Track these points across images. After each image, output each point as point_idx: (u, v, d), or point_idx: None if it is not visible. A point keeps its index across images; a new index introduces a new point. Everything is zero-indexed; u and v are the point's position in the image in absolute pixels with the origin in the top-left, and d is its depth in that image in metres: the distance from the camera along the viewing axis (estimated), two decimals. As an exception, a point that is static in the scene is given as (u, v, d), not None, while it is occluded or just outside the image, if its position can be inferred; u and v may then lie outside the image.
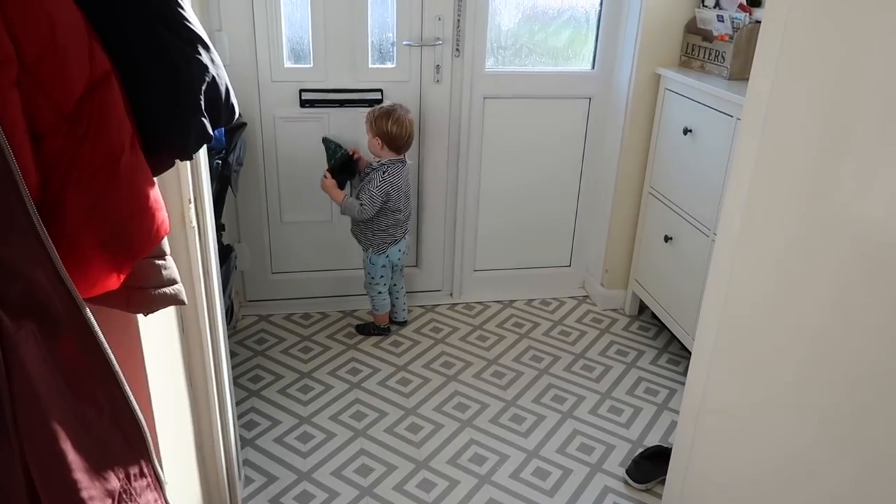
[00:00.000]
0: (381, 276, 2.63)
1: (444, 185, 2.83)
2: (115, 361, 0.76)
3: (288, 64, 2.57)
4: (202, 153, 1.37)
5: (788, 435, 1.30)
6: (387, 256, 2.61)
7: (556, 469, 2.09)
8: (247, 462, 2.07)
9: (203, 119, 0.81)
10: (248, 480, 2.00)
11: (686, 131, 2.41)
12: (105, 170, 0.74)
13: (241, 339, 2.69)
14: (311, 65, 2.58)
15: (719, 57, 2.38)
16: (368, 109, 2.49)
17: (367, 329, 2.74)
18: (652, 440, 2.21)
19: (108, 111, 0.74)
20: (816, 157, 1.19)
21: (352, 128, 2.66)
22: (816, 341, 1.21)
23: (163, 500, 0.85)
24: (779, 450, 1.33)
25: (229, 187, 2.20)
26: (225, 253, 2.24)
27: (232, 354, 2.48)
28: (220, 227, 2.18)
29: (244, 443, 2.14)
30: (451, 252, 2.95)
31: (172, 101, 0.80)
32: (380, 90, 2.64)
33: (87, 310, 0.73)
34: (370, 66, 2.62)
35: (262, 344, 2.66)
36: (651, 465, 2.03)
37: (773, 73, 1.27)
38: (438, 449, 2.15)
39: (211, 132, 0.83)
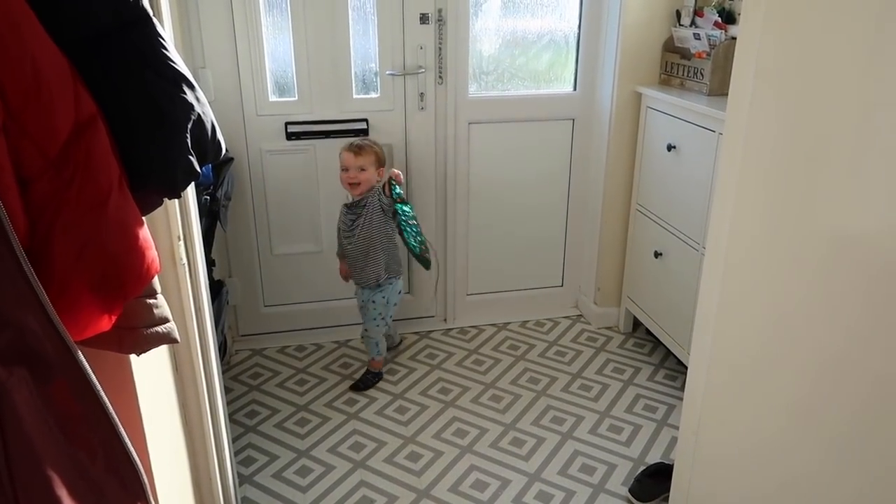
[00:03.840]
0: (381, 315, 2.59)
1: (432, 210, 2.84)
2: (109, 404, 0.76)
3: (273, 97, 2.59)
4: (190, 189, 1.37)
5: (789, 445, 1.29)
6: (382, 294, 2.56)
7: (558, 491, 2.07)
8: (245, 500, 2.03)
9: (190, 157, 0.82)
10: (248, 518, 1.97)
11: (670, 147, 2.44)
12: (93, 212, 0.74)
13: (236, 374, 2.67)
14: (296, 97, 2.60)
15: (698, 74, 2.42)
16: (357, 145, 2.41)
17: (367, 380, 2.61)
18: (653, 457, 2.20)
19: (95, 153, 0.74)
20: (795, 166, 1.21)
21: (338, 159, 2.67)
22: (808, 347, 1.22)
23: (161, 543, 0.83)
24: (780, 461, 1.32)
25: (218, 222, 2.20)
26: (216, 288, 2.23)
27: (227, 390, 2.45)
28: (210, 263, 2.17)
29: (242, 479, 2.11)
30: (444, 277, 2.95)
31: (159, 141, 0.80)
32: (365, 120, 2.66)
33: (80, 353, 0.72)
34: (354, 96, 2.64)
35: (256, 378, 2.64)
36: (654, 483, 2.02)
37: (751, 87, 1.30)
38: (439, 477, 2.13)
39: (198, 169, 0.83)
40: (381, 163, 2.43)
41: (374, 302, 2.52)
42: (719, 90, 2.35)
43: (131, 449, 0.79)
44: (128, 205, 0.77)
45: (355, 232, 2.46)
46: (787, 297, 1.26)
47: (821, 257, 1.16)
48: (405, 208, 2.47)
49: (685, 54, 2.49)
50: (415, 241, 2.48)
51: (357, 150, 2.40)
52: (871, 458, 1.11)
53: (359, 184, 2.41)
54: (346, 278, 2.64)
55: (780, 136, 1.24)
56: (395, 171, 2.44)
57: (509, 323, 3.02)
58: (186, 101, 0.81)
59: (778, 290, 1.28)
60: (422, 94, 2.67)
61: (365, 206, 2.44)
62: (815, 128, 1.16)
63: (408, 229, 2.47)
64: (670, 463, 2.02)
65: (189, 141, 0.81)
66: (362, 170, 2.40)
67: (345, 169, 2.41)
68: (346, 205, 2.49)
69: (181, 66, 0.82)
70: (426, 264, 2.55)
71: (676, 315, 2.48)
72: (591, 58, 2.76)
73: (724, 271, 1.43)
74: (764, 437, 1.36)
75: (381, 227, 2.47)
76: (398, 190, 2.43)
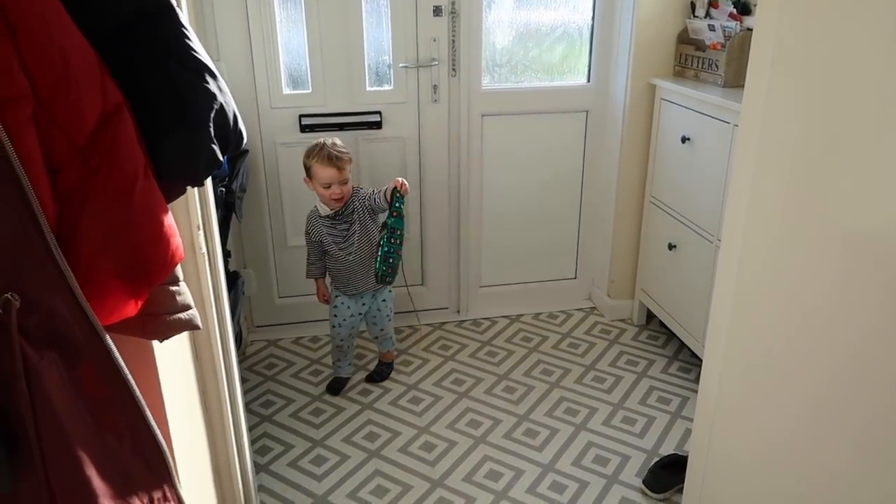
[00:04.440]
0: None
1: (446, 203, 2.85)
2: (136, 388, 0.77)
3: (287, 90, 2.60)
4: (209, 182, 1.39)
5: (807, 442, 1.29)
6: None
7: (572, 482, 2.08)
8: (262, 488, 2.06)
9: (213, 146, 0.83)
10: (264, 506, 2.00)
11: (684, 140, 2.43)
12: (120, 199, 0.76)
13: (251, 364, 2.69)
14: (310, 90, 2.61)
15: (713, 65, 2.41)
16: (336, 157, 2.27)
17: (385, 372, 2.62)
18: (667, 449, 2.21)
19: (121, 142, 0.76)
20: (813, 159, 1.20)
21: (352, 152, 2.68)
22: (823, 340, 1.22)
23: (186, 524, 0.85)
24: (797, 458, 1.32)
25: (234, 214, 2.22)
26: (232, 279, 2.26)
27: (242, 380, 2.48)
28: (226, 254, 2.19)
29: (258, 468, 2.13)
30: (457, 269, 2.96)
31: (182, 130, 0.81)
32: (378, 112, 2.67)
33: (108, 337, 0.74)
34: (368, 88, 2.65)
35: (271, 369, 2.66)
36: (668, 474, 2.02)
37: (767, 79, 1.29)
38: (453, 467, 2.15)
39: (221, 158, 0.85)
40: (352, 162, 2.36)
41: (384, 301, 2.52)
42: (734, 82, 2.34)
43: (157, 432, 0.81)
44: (153, 193, 0.79)
45: (352, 240, 2.39)
46: (804, 292, 1.25)
47: (839, 252, 1.16)
48: (400, 225, 2.36)
49: (700, 46, 2.48)
50: (384, 266, 2.37)
51: (339, 164, 2.27)
52: (894, 459, 1.11)
53: (342, 197, 2.33)
54: (326, 300, 2.51)
55: (797, 128, 1.24)
56: (401, 180, 2.33)
57: (522, 315, 3.03)
58: (209, 90, 0.82)
59: (794, 284, 1.28)
60: (435, 87, 2.67)
61: (353, 211, 2.38)
62: (833, 119, 1.15)
63: (388, 247, 2.36)
64: (684, 454, 2.02)
65: (212, 130, 0.82)
66: (345, 182, 2.32)
67: (326, 186, 2.29)
68: (326, 217, 2.38)
69: (204, 56, 0.83)
70: (381, 280, 2.42)
71: (691, 307, 2.47)
72: (605, 49, 2.75)
73: (739, 264, 1.43)
74: (780, 433, 1.36)
75: (375, 225, 2.43)
76: (400, 204, 2.32)
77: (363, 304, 2.49)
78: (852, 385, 1.16)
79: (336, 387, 2.52)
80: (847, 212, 1.14)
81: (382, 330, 2.56)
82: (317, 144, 2.30)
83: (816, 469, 1.27)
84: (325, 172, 2.27)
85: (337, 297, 2.49)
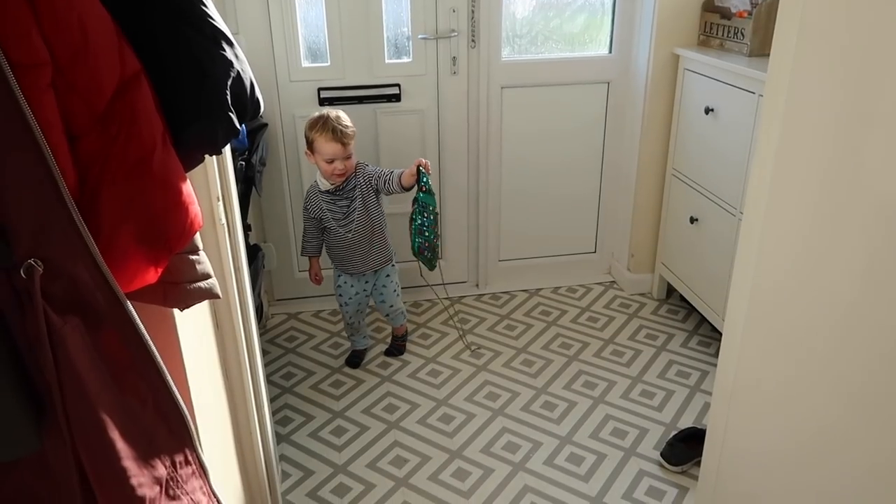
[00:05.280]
0: None
1: (465, 176, 2.84)
2: (156, 353, 0.78)
3: (305, 63, 2.59)
4: (227, 153, 1.40)
5: (821, 409, 1.28)
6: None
7: (589, 454, 2.09)
8: (283, 457, 2.10)
9: (230, 114, 0.83)
10: (286, 475, 2.03)
11: (707, 111, 2.39)
12: (138, 167, 0.76)
13: (272, 337, 2.73)
14: (329, 63, 2.60)
15: (738, 34, 2.36)
16: (340, 132, 2.19)
17: (401, 346, 2.62)
18: (685, 422, 2.20)
19: (139, 110, 0.76)
20: (842, 128, 1.17)
21: (370, 125, 2.68)
22: (846, 314, 1.20)
23: (207, 487, 0.87)
24: (812, 424, 1.31)
25: (254, 188, 2.23)
26: (252, 252, 2.27)
27: (263, 353, 2.51)
28: (246, 228, 2.21)
29: (280, 438, 2.17)
30: (476, 243, 2.96)
31: (200, 98, 0.81)
32: (397, 85, 2.65)
33: (129, 304, 0.75)
34: (386, 61, 2.63)
35: (292, 342, 2.69)
36: (686, 448, 2.02)
37: (794, 46, 1.26)
38: (471, 438, 2.17)
39: (238, 126, 0.85)
40: (354, 137, 2.27)
41: (388, 276, 2.48)
42: (760, 51, 2.29)
43: (178, 398, 0.82)
44: (171, 161, 0.79)
45: (353, 217, 2.33)
46: (829, 265, 1.23)
47: (866, 223, 1.14)
48: (431, 201, 2.27)
49: (725, 14, 2.42)
50: (419, 238, 2.31)
51: (343, 139, 2.19)
52: None
53: (345, 172, 2.27)
54: (318, 281, 2.48)
55: (824, 97, 1.21)
56: (424, 160, 2.27)
57: (541, 289, 3.02)
58: (226, 58, 0.82)
59: (820, 256, 1.26)
60: (454, 59, 2.65)
61: (355, 187, 2.31)
62: (861, 88, 1.12)
63: (421, 220, 2.28)
64: (703, 428, 2.02)
65: (229, 97, 0.82)
66: (349, 157, 2.25)
67: (329, 161, 2.22)
68: (327, 192, 2.31)
69: (220, 23, 0.83)
70: (428, 264, 2.39)
71: (712, 281, 2.45)
72: (628, 19, 2.70)
73: (761, 237, 1.40)
74: (800, 407, 1.35)
75: (377, 203, 2.37)
76: (427, 179, 2.25)
77: (366, 283, 2.46)
78: (882, 360, 1.14)
79: (355, 360, 2.54)
80: (877, 182, 1.12)
81: (392, 306, 2.53)
82: (320, 117, 2.21)
83: (839, 445, 1.26)
84: (328, 147, 2.20)
85: (339, 276, 2.46)
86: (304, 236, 2.44)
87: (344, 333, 2.70)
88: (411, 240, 2.33)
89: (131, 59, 0.75)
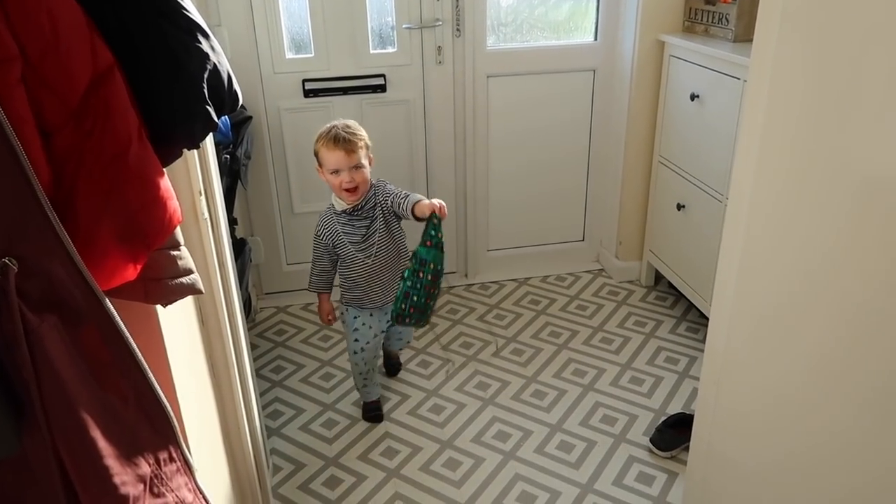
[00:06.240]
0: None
1: (451, 166, 2.83)
2: (137, 351, 0.78)
3: (289, 55, 2.57)
4: (210, 147, 1.38)
5: (815, 400, 1.29)
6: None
7: (580, 441, 2.10)
8: (274, 451, 2.09)
9: (207, 107, 0.82)
10: (277, 469, 2.03)
11: (693, 97, 2.39)
12: (114, 163, 0.75)
13: (261, 331, 2.72)
14: (313, 54, 2.58)
15: (723, 19, 2.35)
16: (344, 139, 1.91)
17: (399, 364, 2.43)
18: (674, 408, 2.22)
19: (113, 104, 0.75)
20: (824, 110, 1.17)
21: (356, 116, 2.66)
22: (832, 296, 1.20)
23: (193, 484, 0.86)
24: (805, 416, 1.32)
25: (239, 181, 2.21)
26: (239, 246, 2.26)
27: (253, 347, 2.50)
28: (232, 222, 2.20)
29: (270, 432, 2.17)
30: (464, 233, 2.96)
31: (175, 91, 0.80)
32: (382, 75, 2.63)
33: (107, 301, 0.74)
34: (371, 51, 2.61)
35: (281, 335, 2.69)
36: (675, 433, 2.04)
37: (777, 30, 1.25)
38: (462, 428, 2.17)
39: (216, 119, 0.83)
40: (369, 148, 1.99)
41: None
42: (745, 36, 2.29)
43: (161, 395, 0.82)
44: (148, 155, 0.78)
45: (374, 239, 2.02)
46: (814, 247, 1.24)
47: (850, 205, 1.14)
48: (435, 258, 1.86)
49: (710, -1, 2.42)
50: (404, 302, 1.88)
51: (347, 146, 1.90)
52: (875, 387, 1.10)
53: (356, 187, 1.96)
54: (331, 321, 2.16)
55: (806, 81, 1.21)
56: (439, 202, 1.86)
57: (530, 278, 3.03)
58: (202, 50, 0.81)
59: (804, 239, 1.26)
60: (439, 48, 2.63)
61: (375, 206, 2.01)
62: (844, 72, 1.12)
63: (412, 282, 1.86)
64: (691, 413, 2.03)
65: (206, 90, 0.81)
66: (358, 167, 1.94)
67: (334, 171, 1.94)
68: (343, 212, 2.01)
69: (195, 15, 0.81)
70: (396, 319, 1.94)
71: (699, 268, 2.46)
72: (613, 6, 2.69)
73: (747, 221, 1.41)
74: (788, 390, 1.36)
75: (399, 226, 2.08)
76: (436, 232, 1.84)
77: (385, 315, 2.13)
78: (862, 340, 1.15)
79: (376, 413, 2.20)
80: (858, 164, 1.12)
81: (409, 342, 2.37)
82: (326, 126, 1.98)
83: (823, 425, 1.27)
84: (331, 156, 1.92)
85: (356, 317, 2.11)
86: (312, 268, 2.12)
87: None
88: (394, 305, 1.91)
89: (104, 52, 0.74)
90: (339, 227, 2.04)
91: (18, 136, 0.65)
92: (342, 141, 1.91)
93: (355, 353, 2.14)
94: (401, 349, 2.46)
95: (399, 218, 2.05)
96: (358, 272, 2.06)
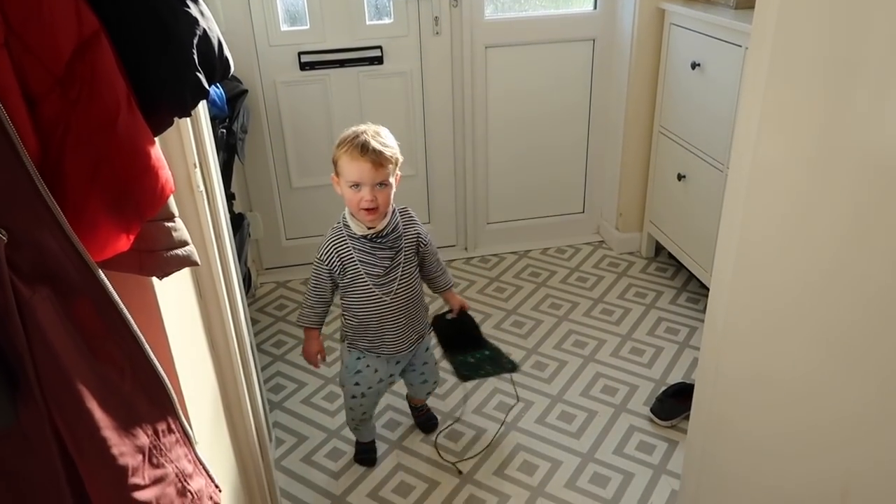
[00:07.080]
0: None
1: (450, 140, 2.81)
2: (132, 322, 0.77)
3: (284, 27, 2.54)
4: (204, 118, 1.36)
5: (819, 373, 1.29)
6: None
7: (580, 412, 2.10)
8: (276, 424, 2.11)
9: (198, 74, 0.80)
10: (280, 441, 2.04)
11: (694, 66, 2.36)
12: (103, 131, 0.74)
13: (261, 306, 2.72)
14: (308, 26, 2.54)
15: (725, -15, 2.31)
16: (374, 150, 1.58)
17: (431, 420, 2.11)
18: (675, 378, 2.22)
19: (100, 71, 0.73)
20: (828, 80, 1.15)
21: (353, 89, 2.63)
22: (832, 266, 1.19)
23: (192, 454, 0.86)
24: (797, 373, 1.32)
25: (236, 155, 2.19)
26: (237, 221, 2.25)
27: (253, 321, 2.50)
28: (230, 197, 2.18)
29: (272, 405, 2.18)
30: (463, 206, 2.94)
31: (164, 58, 0.78)
32: (379, 47, 2.60)
33: (101, 272, 0.73)
34: (368, 23, 2.57)
35: (282, 310, 2.69)
36: (675, 402, 2.04)
37: (779, -8, 1.23)
38: (464, 399, 2.18)
39: (207, 87, 0.82)
40: (398, 164, 1.66)
41: (427, 350, 1.94)
42: (746, 3, 2.25)
43: (158, 366, 0.81)
44: (138, 124, 0.76)
45: (396, 274, 1.72)
46: (815, 217, 1.22)
47: (853, 174, 1.12)
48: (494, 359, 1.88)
49: (711, -35, 2.37)
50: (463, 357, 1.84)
51: (375, 158, 1.57)
52: (879, 361, 1.10)
53: (377, 207, 1.62)
54: (320, 361, 1.83)
55: (810, 47, 1.18)
56: (462, 300, 1.85)
57: (530, 250, 3.02)
58: (191, 14, 0.79)
59: (806, 208, 1.25)
60: (436, 18, 2.59)
61: (401, 235, 1.73)
62: (848, 38, 1.10)
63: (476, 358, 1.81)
64: (691, 383, 2.03)
65: (196, 57, 0.79)
66: (383, 185, 1.62)
67: (355, 184, 1.60)
68: (363, 238, 1.69)
69: (183, -21, 0.79)
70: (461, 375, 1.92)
71: (700, 238, 2.45)
72: (612, -27, 2.64)
73: (747, 190, 1.39)
74: (787, 359, 1.35)
75: (418, 267, 1.81)
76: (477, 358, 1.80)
77: (397, 363, 1.86)
78: (868, 313, 1.14)
79: (369, 456, 1.96)
80: (864, 132, 1.10)
81: (435, 382, 1.99)
82: (352, 130, 1.62)
83: (824, 397, 1.27)
84: (354, 167, 1.58)
85: (359, 358, 1.81)
86: (307, 298, 1.78)
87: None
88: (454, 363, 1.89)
89: (89, 17, 0.72)
90: (356, 255, 1.69)
91: (3, 104, 0.64)
92: (371, 151, 1.57)
93: (353, 397, 1.83)
94: (429, 394, 2.04)
95: (418, 258, 1.80)
96: (372, 311, 1.73)
